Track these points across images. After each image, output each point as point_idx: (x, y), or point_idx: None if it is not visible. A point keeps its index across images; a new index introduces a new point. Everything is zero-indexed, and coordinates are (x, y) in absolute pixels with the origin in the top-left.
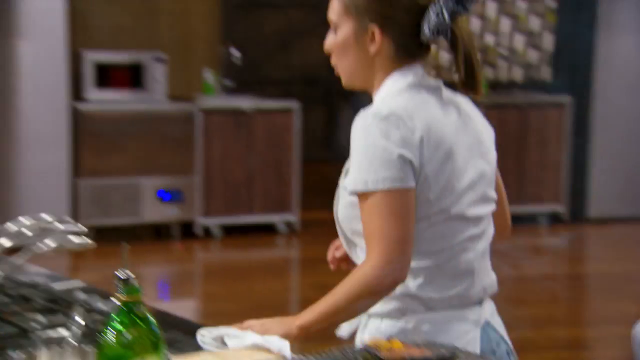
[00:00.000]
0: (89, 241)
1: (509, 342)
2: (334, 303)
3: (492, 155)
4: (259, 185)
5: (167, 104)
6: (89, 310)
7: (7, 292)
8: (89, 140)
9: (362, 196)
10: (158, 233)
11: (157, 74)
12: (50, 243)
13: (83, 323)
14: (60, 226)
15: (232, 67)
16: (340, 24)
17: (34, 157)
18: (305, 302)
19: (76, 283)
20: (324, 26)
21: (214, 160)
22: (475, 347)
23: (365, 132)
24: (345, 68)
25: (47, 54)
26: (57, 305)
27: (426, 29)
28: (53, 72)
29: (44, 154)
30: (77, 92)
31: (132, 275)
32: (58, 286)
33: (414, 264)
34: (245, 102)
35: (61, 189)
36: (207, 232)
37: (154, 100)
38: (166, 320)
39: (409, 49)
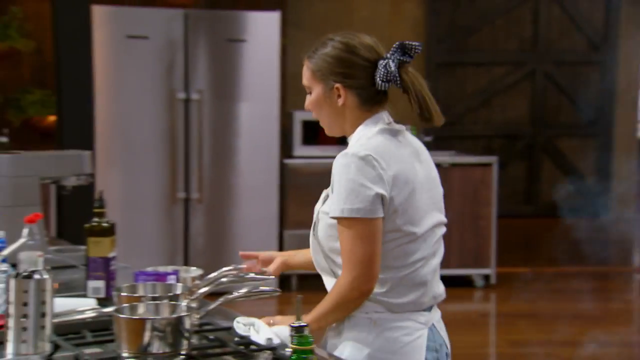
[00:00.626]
0: (277, 289)
1: (449, 346)
2: (322, 308)
3: (440, 188)
4: (456, 238)
5: None
6: (276, 357)
7: (205, 335)
8: (294, 193)
9: (339, 221)
10: None
11: None
12: (241, 290)
13: None
14: (254, 275)
15: None
16: (312, 87)
17: (248, 209)
18: (501, 357)
19: None
20: (526, 82)
21: None
22: (423, 344)
23: (346, 168)
24: (323, 121)
25: (262, 115)
26: (249, 350)
27: (378, 80)
28: (267, 131)
29: (257, 206)
30: (285, 148)
31: (304, 325)
32: None
33: (382, 275)
34: (443, 157)
35: (271, 239)
36: None
37: None
38: None
39: (370, 98)
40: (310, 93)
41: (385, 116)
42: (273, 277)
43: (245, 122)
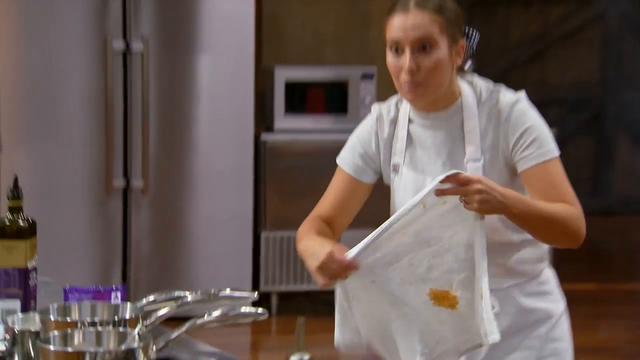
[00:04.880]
0: (261, 311)
1: None
2: (543, 207)
3: None
4: None
5: None
6: None
7: None
8: (275, 180)
9: (551, 162)
10: None
11: (365, 95)
12: (214, 313)
13: None
14: (230, 293)
15: None
16: (439, 42)
17: (211, 202)
18: None
19: None
20: (593, 28)
21: None
22: None
23: (532, 111)
24: (438, 85)
25: (230, 73)
26: None
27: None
28: (238, 95)
29: (224, 199)
30: (263, 119)
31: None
32: None
33: None
34: None
35: (243, 243)
36: None
37: None
38: None
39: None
40: (429, 50)
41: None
42: (254, 295)
43: (207, 83)
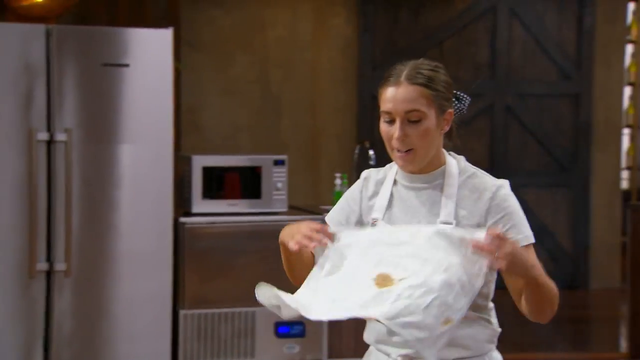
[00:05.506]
0: None
1: None
2: (547, 281)
3: None
4: None
5: (290, 216)
6: None
7: None
8: (193, 261)
9: (528, 247)
10: None
11: (277, 180)
12: None
13: None
14: None
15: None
16: (427, 114)
17: (132, 283)
18: None
19: None
20: (482, 119)
21: None
22: None
23: (514, 198)
24: (426, 152)
25: (151, 161)
26: None
27: (464, 110)
28: (157, 181)
29: (144, 280)
30: (181, 204)
31: None
32: None
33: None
34: None
35: (162, 321)
36: None
37: (273, 213)
38: None
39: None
40: (418, 121)
41: None
42: None
43: (128, 170)
